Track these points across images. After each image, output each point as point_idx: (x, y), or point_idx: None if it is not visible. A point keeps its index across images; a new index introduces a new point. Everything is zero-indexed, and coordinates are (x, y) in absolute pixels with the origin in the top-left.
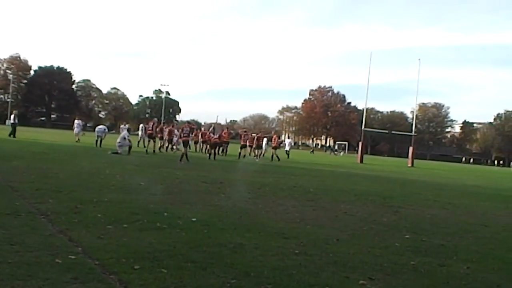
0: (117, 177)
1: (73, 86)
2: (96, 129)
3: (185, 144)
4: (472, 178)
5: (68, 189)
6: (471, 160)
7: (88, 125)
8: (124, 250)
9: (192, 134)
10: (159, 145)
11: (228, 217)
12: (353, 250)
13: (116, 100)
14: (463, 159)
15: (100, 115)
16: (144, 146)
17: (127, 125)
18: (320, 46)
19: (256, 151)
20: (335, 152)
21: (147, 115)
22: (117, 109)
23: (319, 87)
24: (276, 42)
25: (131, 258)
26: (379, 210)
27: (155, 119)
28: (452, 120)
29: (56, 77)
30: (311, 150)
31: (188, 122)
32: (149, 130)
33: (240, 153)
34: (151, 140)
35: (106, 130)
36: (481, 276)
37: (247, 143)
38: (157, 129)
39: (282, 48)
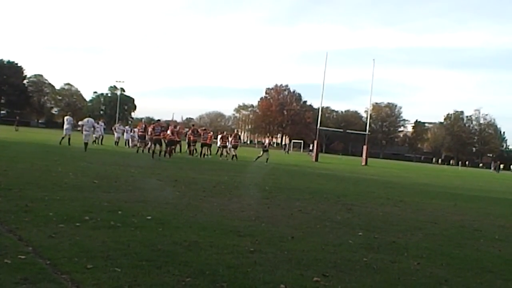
0: (70, 175)
1: (24, 81)
2: (85, 126)
3: (159, 142)
4: (423, 177)
5: (18, 187)
6: (439, 161)
7: (40, 121)
8: (76, 249)
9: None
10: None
11: (183, 215)
12: (307, 248)
13: (70, 96)
14: (437, 160)
15: (53, 112)
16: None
17: (102, 123)
18: (276, 45)
19: (230, 150)
20: (310, 153)
21: (101, 112)
22: (71, 105)
23: (276, 85)
24: (233, 40)
25: (84, 257)
26: (333, 208)
27: (143, 120)
28: (404, 120)
29: (6, 72)
30: (286, 150)
31: (158, 121)
32: (141, 132)
33: (201, 152)
34: (143, 142)
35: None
36: (431, 271)
37: (207, 142)
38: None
39: (238, 46)
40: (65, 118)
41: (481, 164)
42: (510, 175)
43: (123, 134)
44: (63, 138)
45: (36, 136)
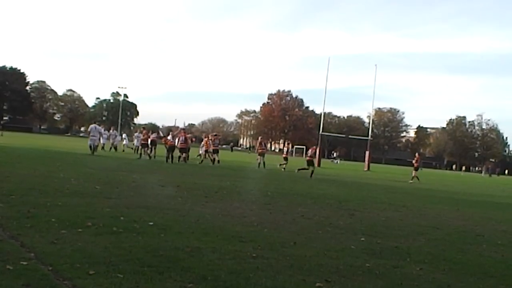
0: (72, 181)
1: (27, 88)
2: (92, 132)
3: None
4: (425, 182)
5: (20, 192)
6: (464, 167)
7: (42, 127)
8: (78, 255)
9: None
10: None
11: (185, 221)
12: (309, 253)
13: (72, 102)
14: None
15: (55, 118)
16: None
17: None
18: (278, 50)
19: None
20: (333, 160)
21: (104, 118)
22: (73, 111)
23: (278, 91)
24: (235, 46)
25: (86, 263)
26: (335, 213)
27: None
28: (406, 125)
29: (9, 78)
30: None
31: (159, 128)
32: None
33: (214, 159)
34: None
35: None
36: (433, 277)
37: (218, 147)
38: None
39: (240, 52)
40: (90, 126)
41: (478, 169)
42: (503, 179)
43: (122, 140)
44: (97, 146)
45: (38, 142)
